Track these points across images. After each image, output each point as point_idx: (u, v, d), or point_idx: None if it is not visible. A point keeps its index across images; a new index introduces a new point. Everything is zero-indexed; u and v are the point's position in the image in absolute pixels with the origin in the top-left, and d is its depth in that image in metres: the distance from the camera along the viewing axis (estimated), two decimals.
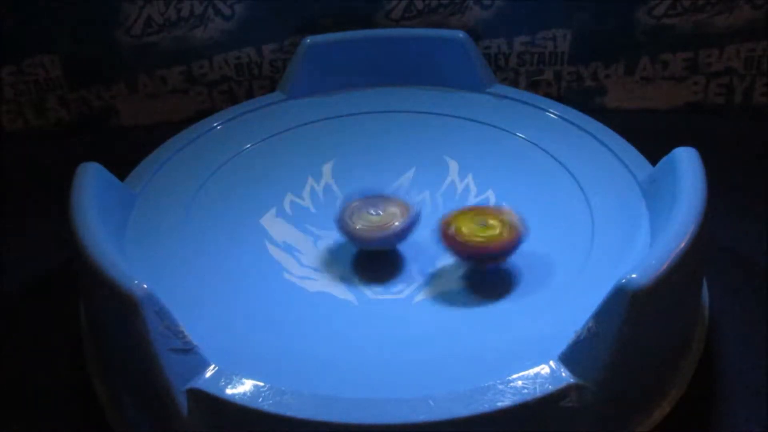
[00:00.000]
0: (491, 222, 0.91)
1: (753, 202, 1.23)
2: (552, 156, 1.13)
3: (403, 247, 0.98)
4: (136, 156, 1.15)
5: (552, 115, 1.22)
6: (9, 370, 1.02)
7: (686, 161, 0.94)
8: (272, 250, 1.00)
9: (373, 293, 0.93)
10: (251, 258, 0.99)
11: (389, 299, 0.92)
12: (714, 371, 0.96)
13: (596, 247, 0.96)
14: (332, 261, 0.98)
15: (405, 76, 1.31)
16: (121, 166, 1.09)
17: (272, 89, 1.40)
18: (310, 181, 1.12)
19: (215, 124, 1.23)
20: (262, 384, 0.79)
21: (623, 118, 1.44)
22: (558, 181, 1.08)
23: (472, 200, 1.06)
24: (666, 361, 0.90)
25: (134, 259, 0.96)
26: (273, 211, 1.07)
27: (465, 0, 1.40)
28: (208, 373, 0.80)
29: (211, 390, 0.78)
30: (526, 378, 0.78)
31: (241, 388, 0.78)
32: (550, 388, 0.77)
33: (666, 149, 0.98)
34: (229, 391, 0.78)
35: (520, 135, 1.18)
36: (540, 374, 0.78)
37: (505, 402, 0.76)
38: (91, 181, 0.96)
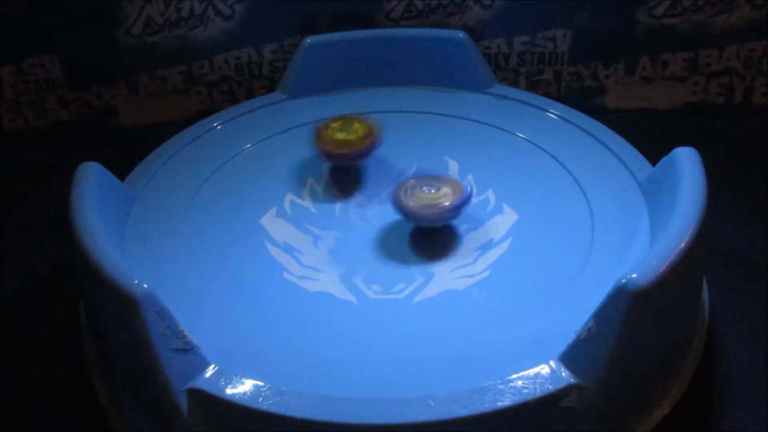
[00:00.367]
0: (355, 126, 1.09)
1: (753, 202, 1.23)
2: (552, 156, 1.13)
3: (404, 247, 0.98)
4: (136, 156, 1.15)
5: (552, 115, 1.22)
6: (9, 370, 1.02)
7: (686, 161, 0.94)
8: (272, 250, 1.00)
9: (373, 293, 0.93)
10: (251, 258, 0.99)
11: (389, 299, 0.92)
12: (714, 371, 0.96)
13: (596, 247, 0.96)
14: (332, 261, 0.98)
15: (405, 76, 1.31)
16: (121, 166, 1.09)
17: (272, 89, 1.39)
18: (310, 181, 1.12)
19: (215, 124, 1.23)
20: (262, 384, 0.79)
21: (623, 118, 1.44)
22: (558, 181, 1.08)
23: (472, 200, 1.06)
24: (666, 361, 0.90)
25: (134, 259, 0.96)
26: (273, 211, 1.06)
27: (465, 0, 1.40)
28: (208, 373, 0.80)
29: (211, 390, 0.78)
30: (526, 378, 0.78)
31: (241, 388, 0.78)
32: (550, 388, 0.77)
33: (666, 149, 0.98)
34: (229, 391, 0.78)
35: (520, 135, 1.18)
36: (540, 374, 0.78)
37: (505, 402, 0.76)
38: (91, 181, 0.96)
